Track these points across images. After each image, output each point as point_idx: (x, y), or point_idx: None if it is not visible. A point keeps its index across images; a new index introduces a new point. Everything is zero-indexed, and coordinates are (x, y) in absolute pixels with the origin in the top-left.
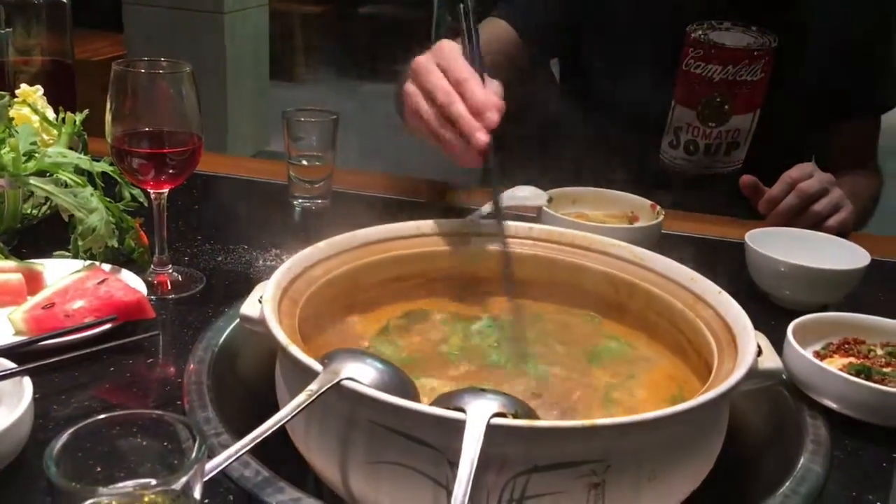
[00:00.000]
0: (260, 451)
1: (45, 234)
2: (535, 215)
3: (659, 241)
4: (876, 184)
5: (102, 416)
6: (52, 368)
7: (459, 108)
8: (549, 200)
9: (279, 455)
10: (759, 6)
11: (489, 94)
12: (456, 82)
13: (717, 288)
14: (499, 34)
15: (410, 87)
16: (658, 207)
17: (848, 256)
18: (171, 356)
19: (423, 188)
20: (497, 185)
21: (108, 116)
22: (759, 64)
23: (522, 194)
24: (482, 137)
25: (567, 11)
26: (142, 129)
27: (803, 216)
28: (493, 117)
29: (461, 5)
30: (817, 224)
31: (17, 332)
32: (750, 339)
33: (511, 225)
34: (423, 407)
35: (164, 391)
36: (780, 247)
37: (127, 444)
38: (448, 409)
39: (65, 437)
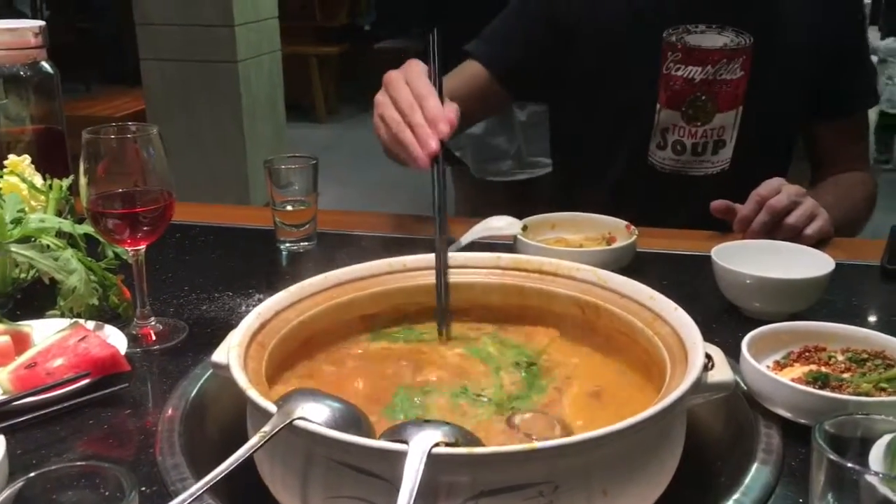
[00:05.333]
0: (231, 492)
1: (40, 294)
2: (512, 243)
3: (634, 260)
4: (868, 184)
5: (40, 470)
6: (32, 424)
7: (417, 118)
8: (524, 228)
9: (255, 495)
10: (732, 9)
11: (445, 109)
12: (418, 96)
13: (674, 305)
14: (473, 75)
15: (380, 97)
16: (632, 227)
17: (813, 264)
18: (149, 406)
19: (406, 223)
20: (437, 211)
21: (82, 181)
22: (738, 62)
23: (497, 224)
24: (433, 144)
25: (540, 39)
26: (114, 192)
27: (779, 230)
28: (445, 129)
29: (431, 34)
30: (795, 236)
31: (5, 392)
32: (699, 353)
33: (480, 256)
34: (368, 441)
35: (140, 441)
36: (748, 259)
37: (67, 496)
38: (392, 441)
39: (3, 495)
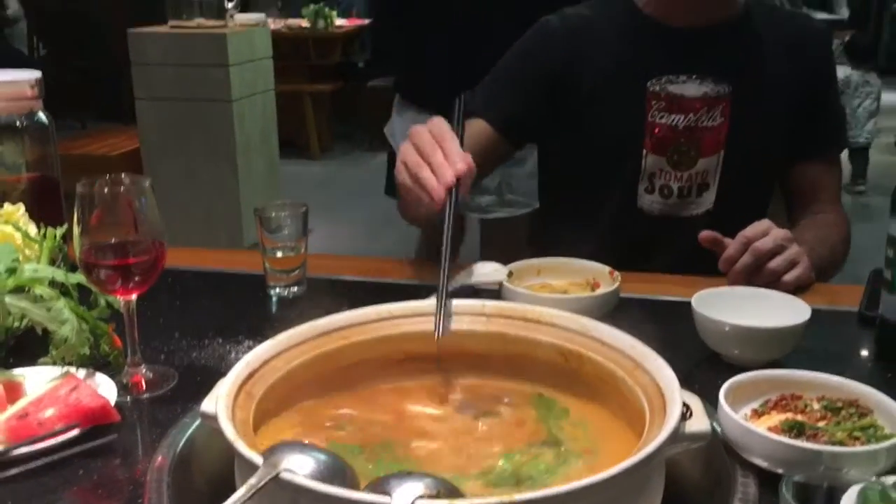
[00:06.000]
0: None
1: (33, 341)
2: (498, 289)
3: (618, 306)
4: (843, 226)
5: None
6: (22, 475)
7: (438, 157)
8: (510, 275)
9: None
10: (711, 60)
11: (463, 154)
12: (439, 139)
13: (654, 354)
14: (477, 131)
15: (404, 146)
16: (616, 273)
17: (792, 312)
18: (138, 456)
19: (394, 268)
20: (445, 238)
21: (76, 231)
22: (718, 110)
23: (484, 270)
24: (450, 177)
25: (534, 90)
26: (107, 242)
27: (760, 273)
28: (462, 166)
29: (458, 99)
30: (774, 281)
31: None
32: (676, 404)
33: (466, 303)
34: (352, 493)
35: (129, 491)
36: (728, 306)
37: None
38: (376, 493)
39: None
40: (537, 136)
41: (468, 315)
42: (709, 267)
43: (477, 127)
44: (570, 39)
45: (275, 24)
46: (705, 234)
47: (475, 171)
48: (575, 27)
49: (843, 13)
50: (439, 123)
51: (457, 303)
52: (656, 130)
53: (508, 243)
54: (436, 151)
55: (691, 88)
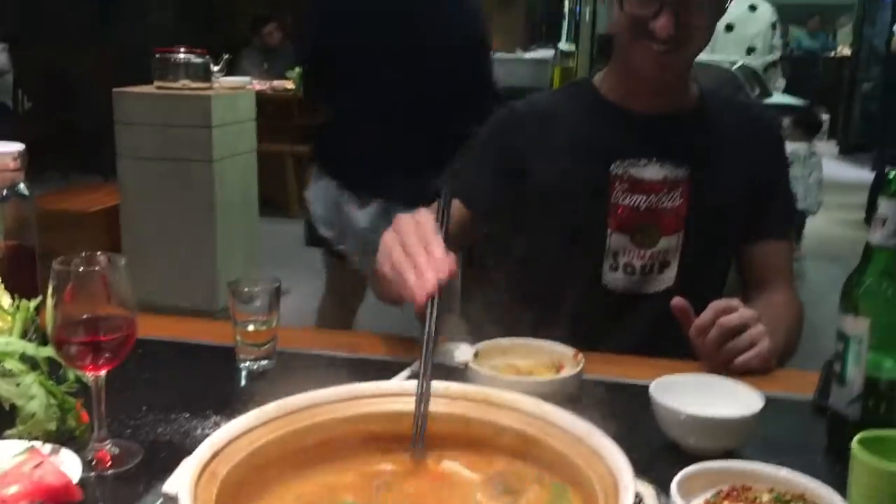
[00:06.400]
0: None
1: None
2: (464, 368)
3: (581, 388)
4: (796, 311)
5: None
6: None
7: (422, 260)
8: (476, 355)
9: None
10: (670, 145)
11: (447, 257)
12: (425, 241)
13: (610, 442)
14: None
15: (388, 236)
16: (580, 356)
17: (747, 401)
18: None
19: (366, 342)
20: (425, 347)
21: (49, 304)
22: (677, 192)
23: (450, 351)
24: (432, 285)
25: (503, 171)
26: (79, 318)
27: (721, 350)
28: (445, 272)
29: (443, 191)
30: (731, 359)
31: None
32: (629, 495)
33: (431, 384)
34: None
35: None
36: (687, 393)
37: None
38: None
39: None
40: (508, 215)
41: (432, 397)
42: (669, 342)
43: (453, 207)
44: (537, 123)
45: (260, 84)
46: (678, 302)
47: (457, 273)
48: (541, 112)
49: (780, 84)
50: (426, 220)
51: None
52: (619, 211)
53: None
54: (420, 252)
55: (652, 171)
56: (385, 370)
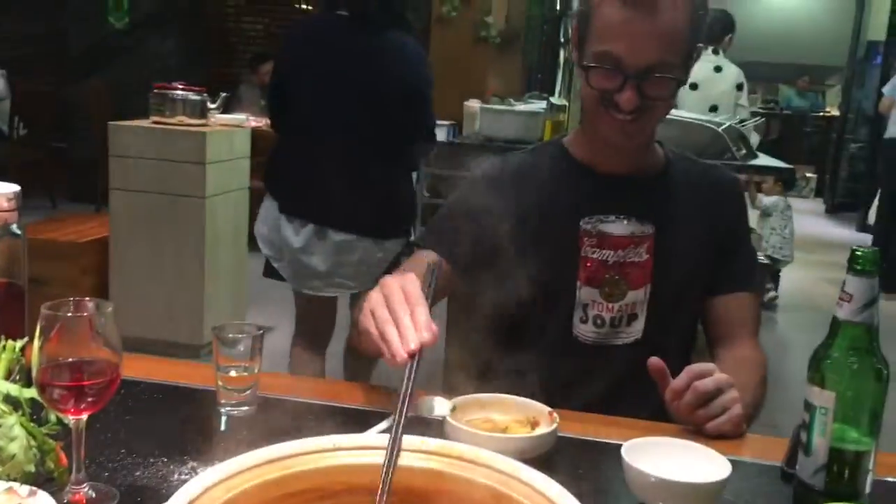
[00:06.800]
0: None
1: None
2: (441, 422)
3: (555, 445)
4: (761, 367)
5: None
6: None
7: (406, 320)
8: (453, 409)
9: None
10: (635, 203)
11: (431, 323)
12: (410, 302)
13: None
14: (418, 265)
15: (374, 294)
16: (555, 414)
17: (715, 466)
18: None
19: (346, 391)
20: (401, 405)
21: (35, 346)
22: (643, 247)
23: (428, 404)
24: (414, 346)
25: (478, 228)
26: (64, 362)
27: (696, 414)
28: (428, 337)
29: (431, 267)
30: (704, 423)
31: None
32: None
33: (407, 439)
34: None
35: None
36: (658, 456)
37: None
38: None
39: None
40: (484, 270)
41: (408, 451)
42: (637, 392)
43: (430, 258)
44: (511, 183)
45: (256, 121)
46: (655, 362)
47: (437, 340)
48: (515, 171)
49: (755, 140)
50: (413, 284)
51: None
52: (588, 264)
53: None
54: (405, 314)
55: (619, 228)
56: (362, 421)
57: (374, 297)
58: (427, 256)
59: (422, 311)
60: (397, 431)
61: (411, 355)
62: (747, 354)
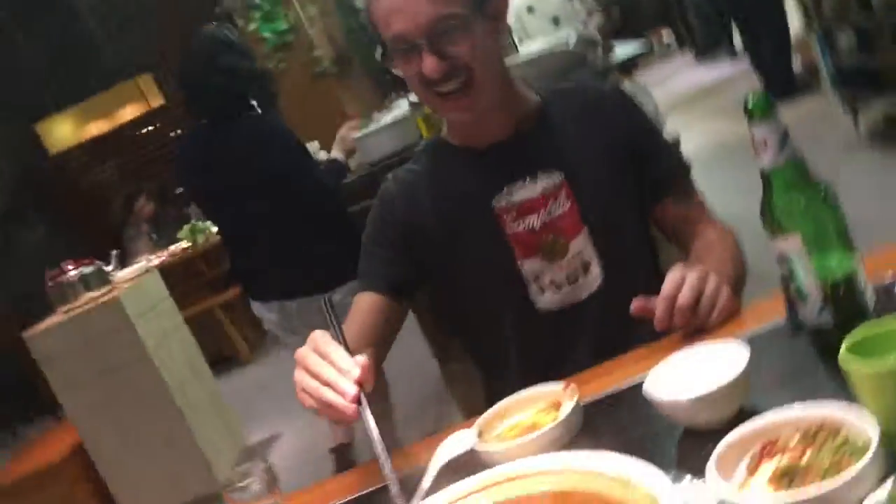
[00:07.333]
0: None
1: None
2: (472, 452)
3: (586, 414)
4: (730, 237)
5: None
6: None
7: (329, 373)
8: (479, 434)
9: None
10: (532, 160)
11: (350, 359)
12: (324, 355)
13: (633, 460)
14: (370, 307)
15: (297, 375)
16: (571, 385)
17: (734, 358)
18: None
19: (367, 477)
20: (377, 446)
21: None
22: (561, 196)
23: (452, 445)
24: (351, 390)
25: (404, 246)
26: None
27: (694, 319)
28: (357, 371)
29: (325, 301)
30: (704, 321)
31: None
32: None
33: (453, 490)
34: None
35: None
36: (679, 376)
37: None
38: None
39: None
40: (420, 287)
41: (461, 498)
42: (622, 332)
43: (366, 300)
44: (409, 193)
45: (158, 257)
46: (636, 305)
47: (373, 366)
48: (408, 181)
49: (592, 29)
50: (318, 336)
51: (448, 492)
52: (519, 239)
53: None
54: (327, 368)
55: (529, 190)
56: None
57: (299, 377)
58: (361, 299)
59: (338, 354)
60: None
61: (356, 401)
62: (711, 237)
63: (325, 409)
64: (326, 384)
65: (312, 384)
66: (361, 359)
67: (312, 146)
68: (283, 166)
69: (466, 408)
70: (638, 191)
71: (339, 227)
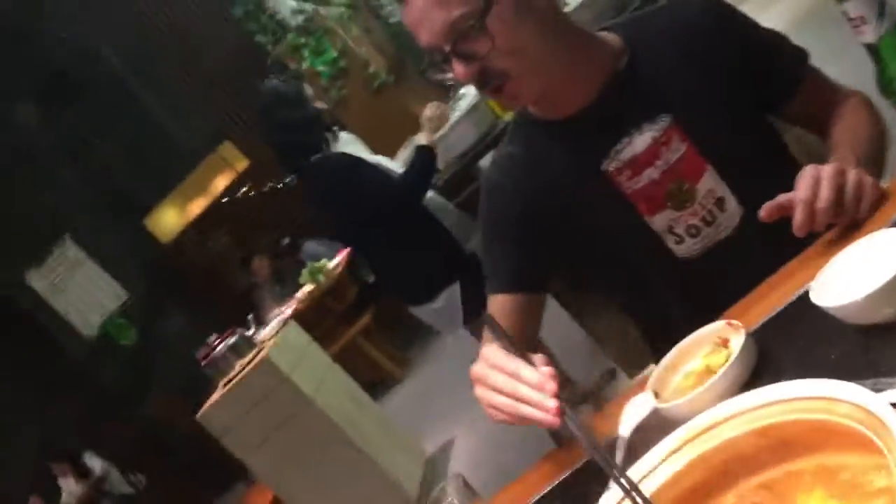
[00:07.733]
0: None
1: None
2: (655, 414)
3: (759, 343)
4: (866, 109)
5: None
6: None
7: (524, 391)
8: (656, 395)
9: None
10: (631, 111)
11: (539, 372)
12: (511, 374)
13: (830, 382)
14: (509, 308)
15: (479, 392)
16: (733, 321)
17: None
18: None
19: (552, 468)
20: (597, 455)
21: None
22: (675, 140)
23: (631, 411)
24: (551, 404)
25: (523, 237)
26: None
27: (840, 215)
28: (552, 384)
29: (490, 322)
30: (853, 214)
31: None
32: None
33: (651, 456)
34: None
35: None
36: (845, 277)
37: None
38: None
39: None
40: (551, 275)
41: (664, 465)
42: (776, 258)
43: (501, 302)
44: (514, 181)
45: (289, 307)
46: (767, 209)
47: (558, 375)
48: (507, 168)
49: None
50: (491, 354)
51: (647, 460)
52: (639, 194)
53: None
54: (518, 387)
55: (638, 144)
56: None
57: (481, 396)
58: (496, 301)
59: (526, 371)
60: (617, 470)
61: (559, 414)
62: (847, 119)
63: (526, 424)
64: (521, 401)
65: (505, 402)
66: (547, 369)
67: (395, 164)
68: (366, 203)
69: (626, 363)
70: (759, 101)
71: (428, 241)
